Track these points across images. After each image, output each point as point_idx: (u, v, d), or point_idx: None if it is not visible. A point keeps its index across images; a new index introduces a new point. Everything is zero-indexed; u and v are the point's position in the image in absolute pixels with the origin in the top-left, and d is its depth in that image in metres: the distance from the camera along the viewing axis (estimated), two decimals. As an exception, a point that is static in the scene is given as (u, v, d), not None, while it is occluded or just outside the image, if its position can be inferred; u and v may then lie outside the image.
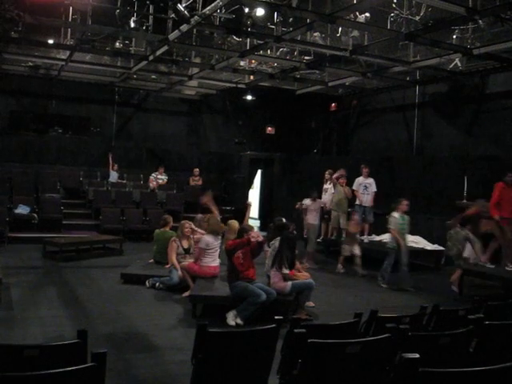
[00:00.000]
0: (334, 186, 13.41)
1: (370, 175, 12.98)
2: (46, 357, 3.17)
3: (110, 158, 16.66)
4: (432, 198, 13.47)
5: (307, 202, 12.24)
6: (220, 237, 8.74)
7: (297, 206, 13.59)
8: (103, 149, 17.59)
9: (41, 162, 16.55)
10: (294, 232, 8.69)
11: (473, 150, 13.33)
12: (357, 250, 11.38)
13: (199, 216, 10.07)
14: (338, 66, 13.85)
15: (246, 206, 9.97)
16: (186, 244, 9.47)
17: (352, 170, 13.77)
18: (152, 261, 10.18)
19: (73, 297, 8.33)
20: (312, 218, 12.16)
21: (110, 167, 16.67)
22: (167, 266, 9.25)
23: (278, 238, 7.76)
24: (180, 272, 8.80)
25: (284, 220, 8.74)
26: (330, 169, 13.85)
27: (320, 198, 12.96)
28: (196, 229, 9.64)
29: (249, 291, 7.06)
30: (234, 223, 9.16)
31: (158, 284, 8.98)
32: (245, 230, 7.59)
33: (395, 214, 9.99)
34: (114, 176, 16.71)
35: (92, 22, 11.12)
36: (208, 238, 8.47)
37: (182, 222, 9.90)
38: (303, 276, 7.94)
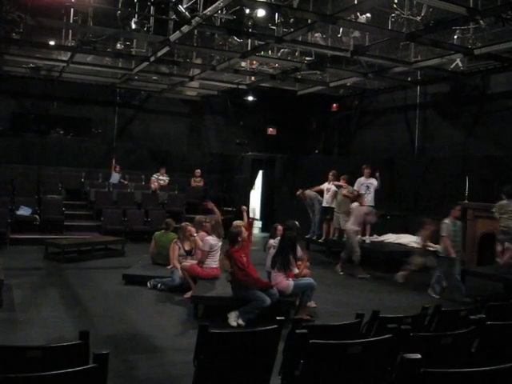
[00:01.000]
0: (337, 186, 13.50)
1: (371, 175, 12.97)
2: (48, 358, 3.18)
3: (114, 162, 16.70)
4: (433, 199, 13.46)
5: (354, 205, 11.63)
6: (222, 238, 8.73)
7: (298, 193, 13.79)
8: (105, 150, 17.62)
9: (42, 163, 16.55)
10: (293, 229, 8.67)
11: (474, 150, 13.31)
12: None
13: (198, 218, 10.01)
14: (339, 66, 13.84)
15: (241, 211, 9.93)
16: (187, 246, 9.46)
17: (353, 170, 13.78)
18: (150, 263, 10.19)
19: (74, 298, 8.35)
20: (353, 223, 11.44)
21: (113, 169, 16.70)
22: (169, 267, 9.26)
23: (278, 238, 7.81)
24: (180, 273, 8.80)
25: (296, 222, 8.76)
26: (332, 170, 13.88)
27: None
28: (195, 235, 9.47)
29: (254, 295, 7.04)
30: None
31: (159, 285, 8.99)
32: (238, 233, 7.55)
33: (446, 221, 9.49)
34: (115, 177, 16.73)
35: (93, 24, 11.13)
36: (212, 241, 8.47)
37: (183, 224, 9.86)
38: (305, 270, 7.99)
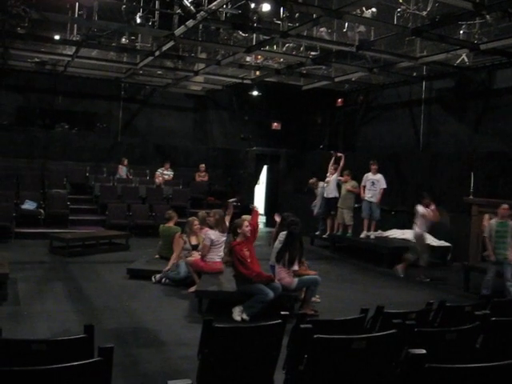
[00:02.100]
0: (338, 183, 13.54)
1: (378, 171, 12.91)
2: (53, 351, 3.19)
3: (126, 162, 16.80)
4: (438, 195, 13.43)
5: (420, 208, 10.61)
6: (226, 233, 8.71)
7: (311, 181, 14.09)
8: (109, 144, 17.66)
9: (47, 157, 16.57)
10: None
11: (480, 146, 13.27)
12: None
13: (201, 213, 9.99)
14: (345, 61, 13.81)
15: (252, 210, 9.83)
16: (194, 240, 9.44)
17: (358, 165, 13.77)
18: (157, 256, 10.19)
19: (79, 292, 8.37)
20: (420, 226, 10.68)
21: (121, 164, 16.76)
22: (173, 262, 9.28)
23: (284, 233, 7.75)
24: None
25: (292, 216, 8.69)
26: (334, 164, 13.93)
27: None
28: (198, 232, 9.49)
29: (257, 289, 7.04)
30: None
31: (164, 279, 9.00)
32: (238, 225, 7.56)
33: (492, 221, 8.87)
34: (122, 171, 16.79)
35: (98, 18, 11.11)
36: (212, 236, 8.47)
37: (190, 218, 9.83)
38: (310, 272, 7.94)
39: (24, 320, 6.68)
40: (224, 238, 8.63)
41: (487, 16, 9.88)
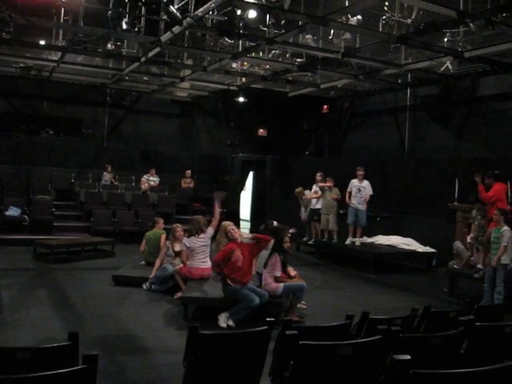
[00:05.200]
0: (322, 189, 13.58)
1: (364, 178, 12.92)
2: (37, 359, 3.16)
3: (110, 169, 16.74)
4: (423, 201, 13.52)
5: (506, 230, 8.67)
6: (204, 236, 8.60)
7: (298, 190, 14.12)
8: (95, 150, 17.57)
9: (32, 163, 16.44)
10: (289, 233, 8.58)
11: (464, 152, 13.39)
12: None
13: (175, 225, 9.94)
14: (330, 68, 13.86)
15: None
16: (177, 247, 9.41)
17: (344, 172, 13.82)
18: (143, 262, 10.15)
19: (64, 299, 8.31)
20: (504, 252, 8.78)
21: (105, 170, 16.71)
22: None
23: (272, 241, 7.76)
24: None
25: (275, 223, 8.72)
26: (321, 171, 13.97)
27: None
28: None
29: (242, 295, 7.04)
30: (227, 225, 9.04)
31: (153, 286, 8.98)
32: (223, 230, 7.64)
33: (492, 228, 8.64)
34: (106, 177, 16.71)
35: (84, 24, 11.06)
36: (186, 243, 8.46)
37: (174, 225, 9.86)
38: (296, 278, 7.94)
39: (8, 328, 6.61)
40: (202, 243, 8.51)
41: (471, 24, 9.98)
